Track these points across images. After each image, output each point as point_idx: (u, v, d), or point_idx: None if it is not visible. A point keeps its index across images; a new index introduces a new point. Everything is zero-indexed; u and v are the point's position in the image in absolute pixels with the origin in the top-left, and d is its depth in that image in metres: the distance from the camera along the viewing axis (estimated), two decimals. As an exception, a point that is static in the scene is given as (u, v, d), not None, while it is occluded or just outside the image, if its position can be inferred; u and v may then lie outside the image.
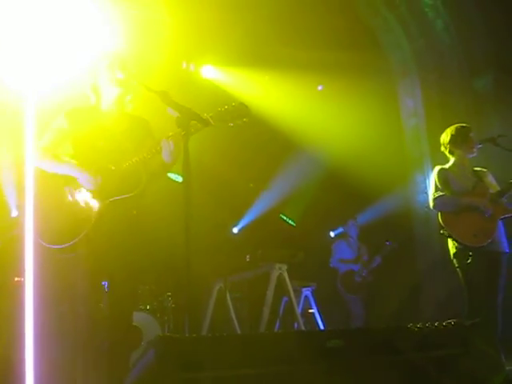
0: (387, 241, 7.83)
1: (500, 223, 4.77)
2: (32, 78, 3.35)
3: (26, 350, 2.67)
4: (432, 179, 4.95)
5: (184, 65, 7.72)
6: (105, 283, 4.15)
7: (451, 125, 5.07)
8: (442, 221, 4.80)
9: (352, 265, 7.86)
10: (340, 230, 8.82)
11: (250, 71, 8.01)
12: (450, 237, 4.78)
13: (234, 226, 8.38)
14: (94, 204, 3.35)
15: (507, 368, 3.43)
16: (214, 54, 7.74)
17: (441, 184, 4.85)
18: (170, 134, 3.26)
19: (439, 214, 4.83)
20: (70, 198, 3.40)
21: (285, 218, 9.03)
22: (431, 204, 4.85)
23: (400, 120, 8.44)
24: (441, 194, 4.80)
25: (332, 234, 9.22)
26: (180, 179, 6.78)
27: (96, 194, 3.37)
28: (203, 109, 3.21)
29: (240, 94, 7.69)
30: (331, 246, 8.18)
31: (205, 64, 7.86)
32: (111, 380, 3.30)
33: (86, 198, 3.37)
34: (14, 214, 5.94)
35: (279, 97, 8.01)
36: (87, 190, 3.38)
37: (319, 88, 8.71)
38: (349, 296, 7.78)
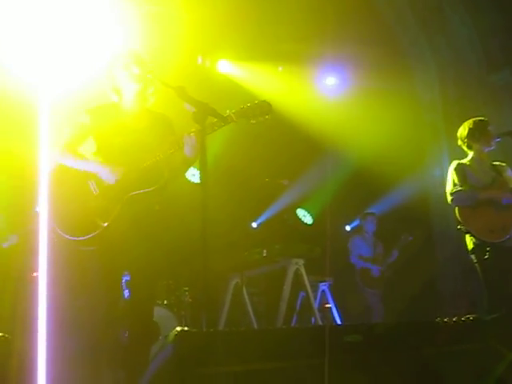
0: (403, 234, 7.82)
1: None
2: (50, 77, 3.38)
3: (39, 344, 2.69)
4: (449, 174, 4.90)
5: (199, 60, 7.72)
6: (125, 278, 4.18)
7: (469, 119, 5.02)
8: (459, 216, 4.76)
9: (370, 264, 7.84)
10: (356, 222, 8.80)
11: (266, 65, 7.99)
12: (467, 232, 4.74)
13: (254, 220, 8.37)
14: (116, 198, 3.38)
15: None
16: (229, 49, 7.72)
17: (458, 179, 4.81)
18: (193, 129, 3.28)
19: (456, 209, 4.79)
20: (92, 192, 3.43)
21: (302, 215, 8.99)
22: (449, 199, 4.81)
23: (418, 115, 8.39)
24: (458, 189, 4.76)
25: (348, 227, 9.19)
26: (197, 180, 6.79)
27: (117, 188, 3.39)
28: (219, 103, 3.23)
29: (256, 88, 7.67)
30: (348, 241, 8.15)
31: (220, 59, 7.85)
32: (130, 374, 3.33)
33: (108, 192, 3.39)
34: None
35: (296, 92, 7.98)
36: (108, 185, 3.41)
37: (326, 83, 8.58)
38: (367, 290, 7.76)
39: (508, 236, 4.62)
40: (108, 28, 5.34)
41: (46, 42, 3.67)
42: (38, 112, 3.18)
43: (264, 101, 3.30)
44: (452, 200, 4.78)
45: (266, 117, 3.26)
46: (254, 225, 8.32)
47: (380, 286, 7.80)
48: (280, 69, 8.03)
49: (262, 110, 3.26)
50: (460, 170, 4.85)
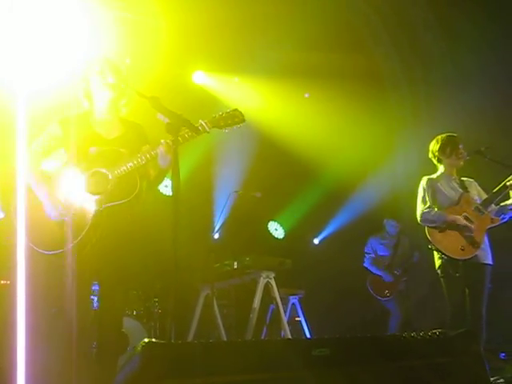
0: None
1: (486, 235, 4.80)
2: (23, 82, 3.34)
3: (17, 353, 2.65)
4: (420, 191, 4.95)
5: (176, 70, 7.72)
6: (94, 288, 4.14)
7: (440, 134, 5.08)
8: (429, 236, 4.81)
9: (382, 272, 7.23)
10: (323, 236, 8.83)
11: (241, 77, 8.03)
12: (437, 251, 4.79)
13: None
14: (90, 210, 3.34)
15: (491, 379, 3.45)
16: (205, 60, 7.74)
17: (427, 195, 4.86)
18: (168, 139, 3.26)
19: (426, 229, 4.84)
20: (65, 204, 3.38)
21: (274, 228, 8.97)
22: (418, 218, 4.86)
23: (389, 130, 8.47)
24: (427, 208, 4.81)
25: (316, 241, 9.20)
26: (169, 192, 6.74)
27: (91, 200, 3.34)
28: (194, 114, 3.23)
29: (231, 99, 7.69)
30: (317, 254, 8.13)
31: (196, 70, 7.86)
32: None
33: (81, 204, 3.36)
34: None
35: (269, 103, 8.02)
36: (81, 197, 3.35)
37: (306, 95, 8.69)
38: (379, 297, 7.22)
39: (477, 252, 4.69)
40: (83, 34, 5.30)
41: (23, 48, 3.63)
42: (15, 117, 3.14)
43: (236, 109, 3.30)
44: (421, 220, 4.84)
45: (239, 126, 3.26)
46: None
47: (392, 292, 7.16)
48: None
49: (235, 118, 3.26)
50: (429, 185, 4.91)
